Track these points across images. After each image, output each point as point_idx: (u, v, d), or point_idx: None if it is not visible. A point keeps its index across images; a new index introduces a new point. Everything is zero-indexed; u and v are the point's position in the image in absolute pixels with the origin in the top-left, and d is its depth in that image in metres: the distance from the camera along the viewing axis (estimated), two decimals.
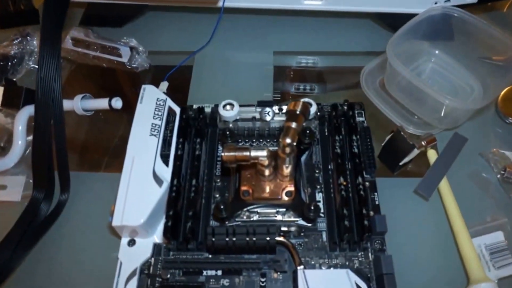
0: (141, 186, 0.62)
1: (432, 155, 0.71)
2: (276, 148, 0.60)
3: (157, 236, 0.64)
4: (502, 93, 0.78)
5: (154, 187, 0.63)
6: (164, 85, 0.83)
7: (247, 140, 0.73)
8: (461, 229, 0.64)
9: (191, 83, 0.87)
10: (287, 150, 0.59)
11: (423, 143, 0.69)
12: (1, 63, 0.88)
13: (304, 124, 0.60)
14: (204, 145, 0.71)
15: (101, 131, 0.83)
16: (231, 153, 0.59)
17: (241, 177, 0.66)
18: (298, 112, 0.58)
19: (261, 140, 0.73)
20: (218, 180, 0.69)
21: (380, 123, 0.78)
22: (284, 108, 0.71)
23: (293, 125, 0.57)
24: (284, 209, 0.64)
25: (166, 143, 0.69)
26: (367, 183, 0.66)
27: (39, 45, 0.71)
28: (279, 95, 0.85)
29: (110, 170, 0.76)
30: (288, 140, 0.57)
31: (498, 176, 0.71)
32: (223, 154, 0.59)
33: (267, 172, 0.63)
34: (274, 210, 0.64)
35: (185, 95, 0.85)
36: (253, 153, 0.59)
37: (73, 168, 0.75)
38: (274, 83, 0.87)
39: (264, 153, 0.59)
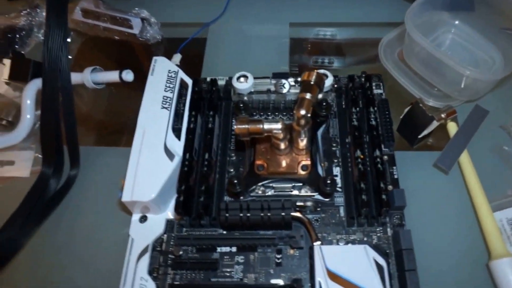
0: (152, 161, 0.61)
1: (452, 128, 0.70)
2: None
3: (170, 212, 0.63)
4: None
5: (166, 161, 0.61)
6: (177, 57, 0.82)
7: (262, 113, 0.71)
8: (482, 203, 0.63)
9: (205, 56, 0.86)
10: (302, 122, 0.57)
11: (443, 115, 0.68)
12: (9, 35, 0.87)
13: (320, 96, 0.58)
14: (217, 118, 0.69)
15: (114, 106, 0.82)
16: (244, 126, 0.57)
17: (255, 151, 0.65)
18: (312, 83, 0.57)
19: (276, 113, 0.71)
20: (233, 155, 0.68)
21: (399, 95, 0.76)
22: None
23: (308, 96, 0.56)
24: (300, 184, 0.63)
25: (178, 116, 0.67)
26: (385, 157, 0.65)
27: (45, 15, 0.70)
28: (297, 69, 0.83)
29: (121, 144, 0.76)
30: (302, 112, 0.55)
31: None
32: (235, 126, 0.57)
33: (282, 146, 0.62)
34: (290, 185, 0.63)
35: (199, 68, 0.84)
36: (267, 126, 0.57)
37: (83, 142, 0.74)
38: (291, 56, 0.85)
39: (278, 125, 0.58)
